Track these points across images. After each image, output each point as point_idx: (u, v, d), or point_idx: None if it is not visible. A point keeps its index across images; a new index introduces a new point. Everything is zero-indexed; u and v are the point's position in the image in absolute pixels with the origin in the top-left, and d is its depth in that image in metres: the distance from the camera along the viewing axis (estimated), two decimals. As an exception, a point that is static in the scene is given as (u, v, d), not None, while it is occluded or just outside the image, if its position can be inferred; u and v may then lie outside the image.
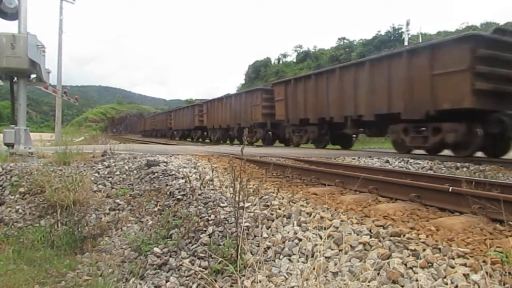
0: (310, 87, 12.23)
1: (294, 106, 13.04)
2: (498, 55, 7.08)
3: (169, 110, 33.64)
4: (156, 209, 3.72)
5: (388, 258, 1.97)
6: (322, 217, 2.68)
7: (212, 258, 2.41)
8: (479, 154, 8.18)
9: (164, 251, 2.77)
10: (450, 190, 2.93)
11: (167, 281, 2.38)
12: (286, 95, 13.48)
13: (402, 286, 1.77)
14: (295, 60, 62.46)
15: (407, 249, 2.02)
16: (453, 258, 1.87)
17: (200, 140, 24.55)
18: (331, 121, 11.35)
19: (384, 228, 2.35)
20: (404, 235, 2.20)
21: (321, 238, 2.33)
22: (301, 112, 12.70)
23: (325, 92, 11.51)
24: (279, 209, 3.04)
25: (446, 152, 8.87)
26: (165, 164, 5.21)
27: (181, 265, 2.50)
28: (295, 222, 2.69)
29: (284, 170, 4.69)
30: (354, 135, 12.55)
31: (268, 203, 3.18)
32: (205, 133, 23.53)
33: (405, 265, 1.89)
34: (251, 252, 2.39)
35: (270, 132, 15.74)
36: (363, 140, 17.90)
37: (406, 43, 25.27)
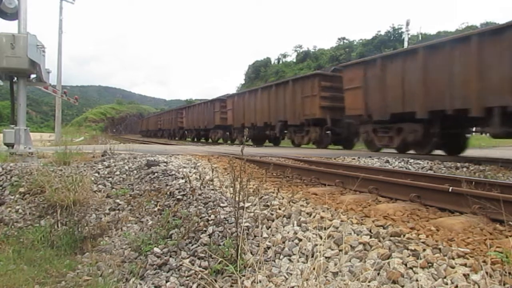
0: (414, 66, 8.32)
1: (381, 95, 9.18)
2: None
3: (179, 107, 29.84)
4: (156, 209, 3.72)
5: (388, 258, 1.97)
6: (322, 217, 2.68)
7: (212, 258, 2.41)
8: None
9: (164, 251, 2.77)
10: (450, 190, 2.93)
11: (167, 281, 2.38)
12: (366, 80, 9.64)
13: (402, 286, 1.77)
14: (295, 60, 62.55)
15: (407, 249, 2.02)
16: (453, 258, 1.88)
17: (221, 141, 20.88)
18: (456, 115, 7.54)
19: (384, 228, 2.35)
20: (404, 235, 2.20)
21: (321, 238, 2.33)
22: (394, 103, 8.85)
23: (446, 72, 7.57)
24: (279, 209, 3.04)
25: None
26: (165, 164, 5.21)
27: (181, 265, 2.50)
28: (295, 222, 2.69)
29: (284, 170, 4.69)
30: (468, 135, 9.17)
31: (268, 203, 3.18)
32: (228, 133, 19.75)
33: (405, 265, 1.89)
34: (251, 252, 2.39)
35: (329, 132, 12.01)
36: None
37: (406, 43, 25.28)
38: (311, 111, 12.10)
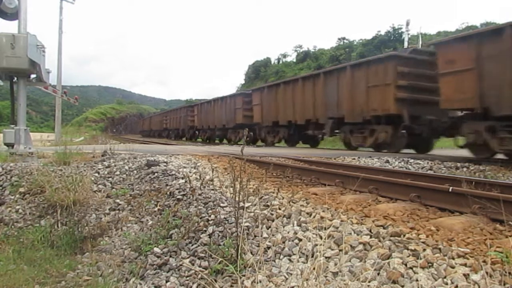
0: None
1: (510, 78, 6.54)
2: None
3: (190, 105, 27.19)
4: (156, 209, 3.72)
5: (388, 258, 1.97)
6: (322, 217, 2.68)
7: (212, 258, 2.41)
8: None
9: (164, 251, 2.77)
10: (450, 190, 2.93)
11: (167, 281, 2.38)
12: (481, 60, 6.99)
13: (402, 286, 1.77)
14: (295, 60, 62.56)
15: (407, 249, 2.02)
16: (453, 258, 1.88)
17: (241, 142, 16.94)
18: None
19: (384, 228, 2.35)
20: (404, 235, 2.20)
21: (321, 238, 2.33)
22: None
23: None
24: (279, 209, 3.04)
25: (447, 152, 8.57)
26: (165, 164, 5.21)
27: (181, 265, 2.50)
28: (295, 222, 2.69)
29: (284, 170, 4.69)
30: None
31: (268, 203, 3.18)
32: (251, 133, 16.52)
33: (405, 265, 1.89)
34: (251, 252, 2.39)
35: (404, 131, 9.32)
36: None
37: (406, 43, 25.26)
38: (382, 105, 9.29)
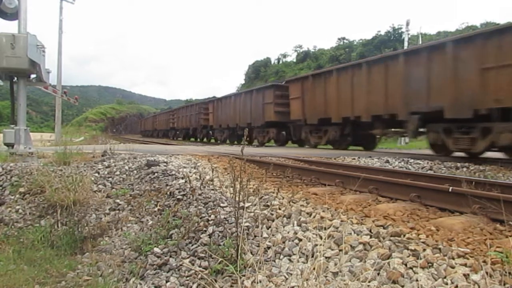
0: None
1: None
2: None
3: (203, 101, 23.54)
4: (156, 209, 3.72)
5: (388, 258, 1.97)
6: (322, 217, 2.68)
7: (212, 258, 2.41)
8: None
9: (164, 251, 2.77)
10: (450, 190, 2.93)
11: (167, 281, 2.38)
12: None
13: (402, 286, 1.77)
14: (295, 60, 62.60)
15: (407, 249, 2.02)
16: (453, 258, 1.88)
17: (271, 143, 15.25)
18: None
19: (384, 228, 2.35)
20: (404, 235, 2.20)
21: (321, 238, 2.33)
22: None
23: None
24: (279, 209, 3.04)
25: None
26: (165, 164, 5.21)
27: (181, 265, 2.50)
28: (295, 222, 2.69)
29: (284, 170, 4.69)
30: None
31: (268, 203, 3.18)
32: (283, 132, 14.53)
33: (405, 265, 1.89)
34: (251, 252, 2.39)
35: None
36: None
37: (406, 43, 25.25)
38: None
